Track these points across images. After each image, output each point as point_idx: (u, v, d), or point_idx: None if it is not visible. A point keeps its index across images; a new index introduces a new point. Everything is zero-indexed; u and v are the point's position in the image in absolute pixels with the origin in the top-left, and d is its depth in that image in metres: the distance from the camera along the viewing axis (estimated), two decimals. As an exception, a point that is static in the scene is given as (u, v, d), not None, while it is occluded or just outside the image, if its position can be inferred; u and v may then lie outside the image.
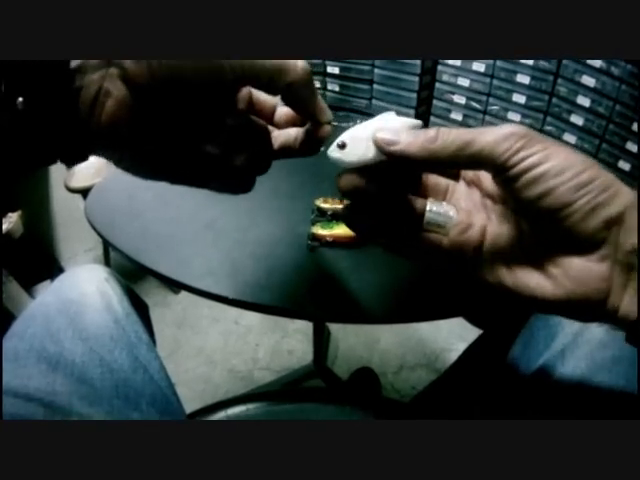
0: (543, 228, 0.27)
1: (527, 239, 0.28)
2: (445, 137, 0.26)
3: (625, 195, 0.25)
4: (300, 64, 0.29)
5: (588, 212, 0.25)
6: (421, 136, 0.27)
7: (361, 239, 0.32)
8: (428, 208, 0.30)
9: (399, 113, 0.30)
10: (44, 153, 0.28)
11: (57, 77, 0.25)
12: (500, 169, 0.26)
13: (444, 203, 0.30)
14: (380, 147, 0.27)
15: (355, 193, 0.29)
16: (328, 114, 0.32)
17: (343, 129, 0.29)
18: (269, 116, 0.37)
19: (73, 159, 0.29)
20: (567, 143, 1.31)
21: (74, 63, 0.26)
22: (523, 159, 0.25)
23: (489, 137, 0.25)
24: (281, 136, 0.35)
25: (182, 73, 0.27)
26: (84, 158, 0.29)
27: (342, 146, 0.28)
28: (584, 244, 0.26)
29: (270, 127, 0.36)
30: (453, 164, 0.27)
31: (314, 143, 0.33)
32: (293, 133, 0.35)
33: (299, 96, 0.31)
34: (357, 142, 0.28)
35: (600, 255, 0.26)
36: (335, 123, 0.33)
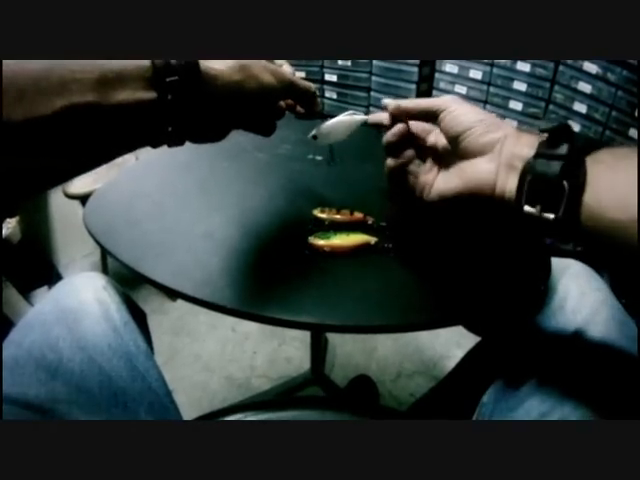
0: (454, 146, 0.44)
1: (446, 159, 0.46)
2: (407, 103, 0.48)
3: (506, 128, 0.41)
4: (313, 87, 0.51)
5: (482, 134, 0.41)
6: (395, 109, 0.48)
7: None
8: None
9: (354, 113, 0.53)
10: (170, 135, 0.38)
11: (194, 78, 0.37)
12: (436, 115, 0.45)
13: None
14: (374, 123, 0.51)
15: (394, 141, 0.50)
16: (317, 104, 0.53)
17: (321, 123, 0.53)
18: None
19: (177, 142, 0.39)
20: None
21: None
22: (447, 108, 0.44)
23: (436, 102, 0.46)
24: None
25: (245, 90, 0.41)
26: (182, 142, 0.40)
27: (314, 137, 0.54)
28: (477, 153, 0.41)
29: None
30: (416, 118, 0.48)
31: (305, 115, 0.54)
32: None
33: (311, 103, 0.52)
34: (324, 133, 0.53)
35: (488, 158, 0.40)
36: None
